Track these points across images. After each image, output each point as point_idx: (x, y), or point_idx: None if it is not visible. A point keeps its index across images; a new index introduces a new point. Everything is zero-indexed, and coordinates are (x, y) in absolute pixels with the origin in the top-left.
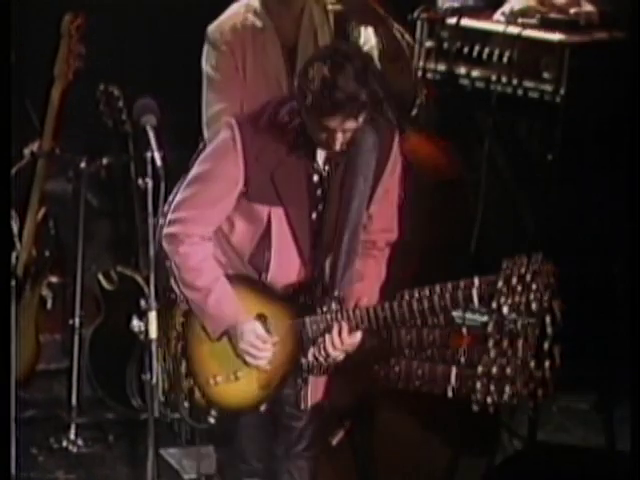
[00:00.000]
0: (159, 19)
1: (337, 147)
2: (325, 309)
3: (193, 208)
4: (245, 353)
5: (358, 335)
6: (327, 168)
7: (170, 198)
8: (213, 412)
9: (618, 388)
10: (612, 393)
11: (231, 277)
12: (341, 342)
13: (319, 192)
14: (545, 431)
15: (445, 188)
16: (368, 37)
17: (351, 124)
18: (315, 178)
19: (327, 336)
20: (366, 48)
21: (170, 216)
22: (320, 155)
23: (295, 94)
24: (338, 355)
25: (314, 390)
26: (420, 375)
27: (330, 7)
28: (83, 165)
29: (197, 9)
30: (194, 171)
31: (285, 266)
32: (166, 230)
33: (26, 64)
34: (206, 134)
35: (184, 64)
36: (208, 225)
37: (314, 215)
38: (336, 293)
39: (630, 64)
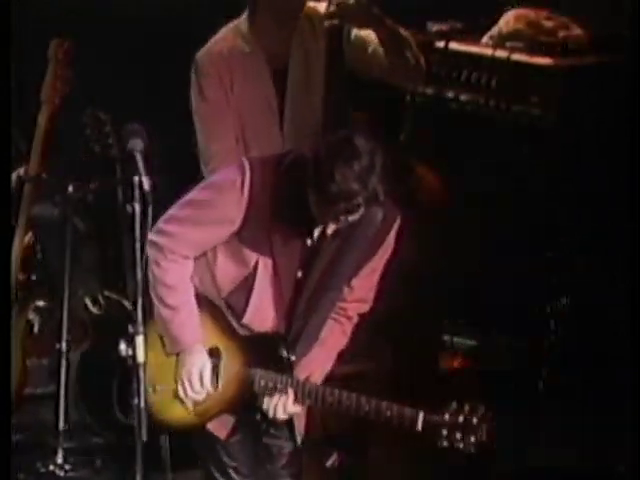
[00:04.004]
0: (148, 45)
1: (329, 231)
2: (278, 369)
3: (184, 227)
4: (179, 383)
5: (300, 408)
6: (322, 233)
7: None
8: None
9: (618, 389)
10: (612, 396)
11: (202, 298)
12: (283, 410)
13: (310, 255)
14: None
15: (435, 211)
16: (370, 39)
17: (343, 218)
18: (309, 242)
19: (273, 398)
20: (371, 48)
21: (161, 225)
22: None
23: (311, 160)
24: (278, 416)
25: (299, 423)
26: (388, 416)
27: (326, 23)
28: (70, 190)
29: (187, 35)
30: (195, 194)
31: (260, 315)
32: (153, 237)
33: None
34: (204, 170)
35: (173, 90)
36: (193, 248)
37: (300, 274)
38: (293, 358)
39: (620, 87)
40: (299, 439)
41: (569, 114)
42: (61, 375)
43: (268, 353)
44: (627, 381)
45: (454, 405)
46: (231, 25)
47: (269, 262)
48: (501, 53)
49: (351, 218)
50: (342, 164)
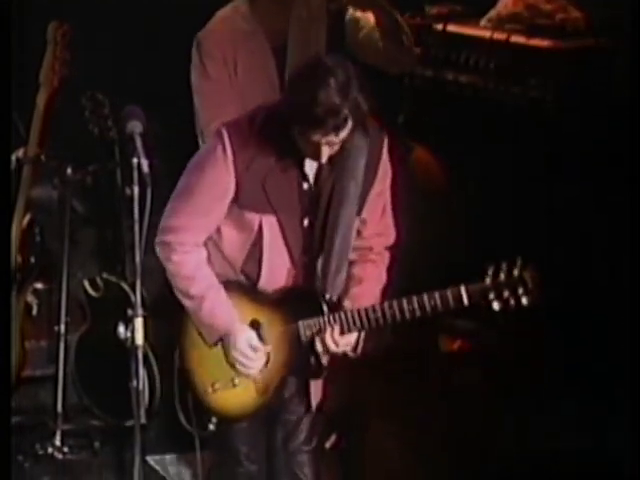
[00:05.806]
0: (147, 27)
1: (323, 159)
2: (318, 312)
3: (184, 217)
4: (236, 362)
5: (353, 336)
6: (317, 175)
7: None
8: (213, 419)
9: (618, 389)
10: (611, 393)
11: (224, 283)
12: (335, 344)
13: (310, 199)
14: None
15: (435, 196)
16: (366, 20)
17: (333, 138)
18: (305, 186)
19: (321, 338)
20: (365, 31)
21: (162, 223)
22: (309, 163)
23: (284, 102)
24: (335, 353)
25: (315, 390)
26: (434, 305)
27: (331, 5)
28: (69, 172)
29: (186, 18)
30: (184, 180)
31: (277, 273)
32: (159, 238)
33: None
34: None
35: (172, 72)
36: (200, 233)
37: (306, 222)
38: (328, 296)
39: (618, 70)
40: (314, 405)
41: (568, 96)
42: (60, 357)
43: (303, 303)
44: (627, 366)
45: (492, 268)
46: (230, 5)
47: (272, 219)
48: (500, 35)
49: (342, 135)
50: (319, 84)
